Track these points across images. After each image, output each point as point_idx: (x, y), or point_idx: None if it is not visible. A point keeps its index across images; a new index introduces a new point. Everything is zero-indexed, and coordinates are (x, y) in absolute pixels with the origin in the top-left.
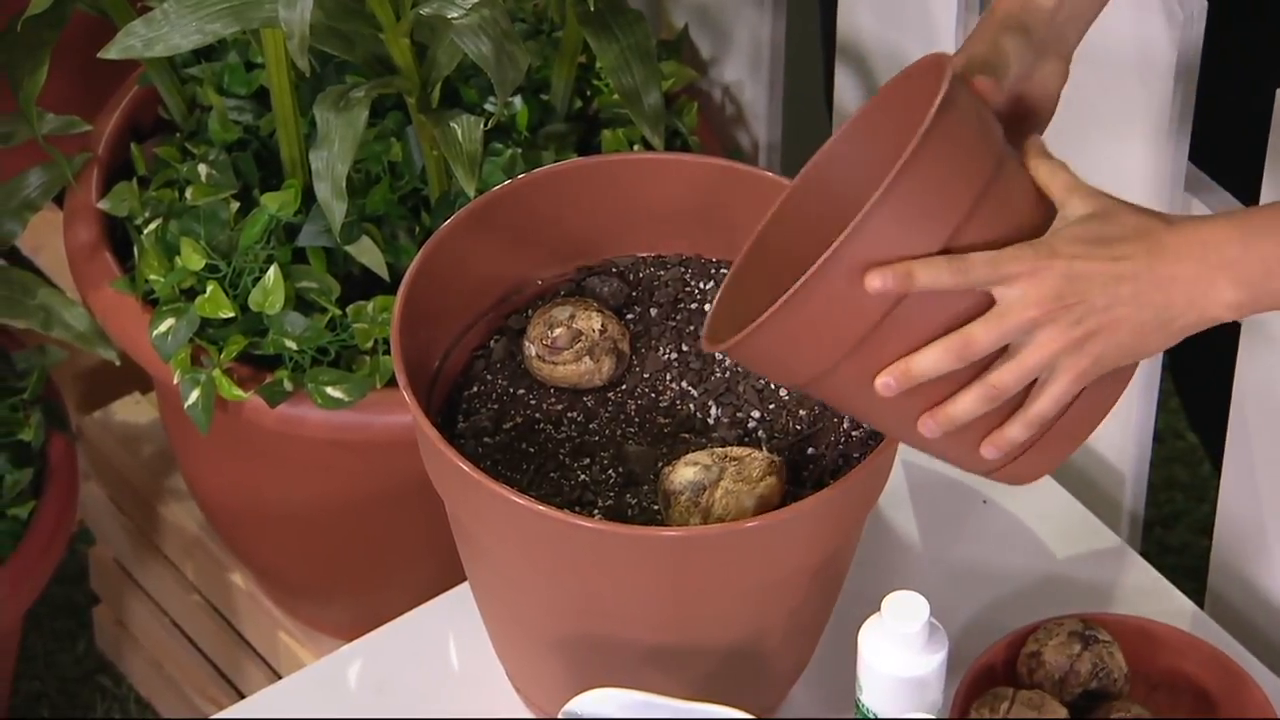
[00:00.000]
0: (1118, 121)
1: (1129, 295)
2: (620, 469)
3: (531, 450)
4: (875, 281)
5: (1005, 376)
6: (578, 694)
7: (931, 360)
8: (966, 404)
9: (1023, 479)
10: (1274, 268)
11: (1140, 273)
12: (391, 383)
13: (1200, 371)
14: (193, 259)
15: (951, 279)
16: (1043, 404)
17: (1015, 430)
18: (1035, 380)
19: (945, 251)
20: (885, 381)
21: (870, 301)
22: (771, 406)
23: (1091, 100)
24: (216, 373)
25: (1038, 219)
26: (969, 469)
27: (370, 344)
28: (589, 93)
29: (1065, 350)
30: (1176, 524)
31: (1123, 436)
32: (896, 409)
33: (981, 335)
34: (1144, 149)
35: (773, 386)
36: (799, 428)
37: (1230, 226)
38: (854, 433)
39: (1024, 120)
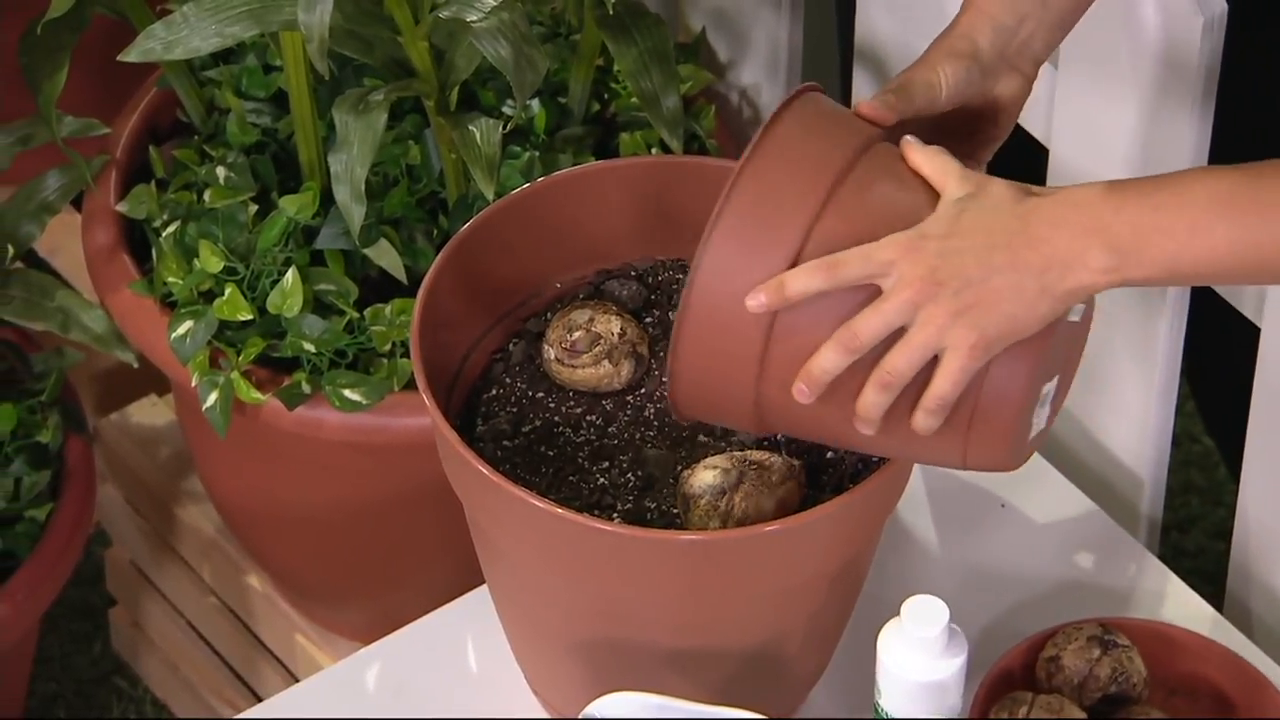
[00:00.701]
0: (1137, 125)
1: (1004, 263)
2: (639, 472)
3: (550, 453)
4: (751, 302)
5: (895, 358)
6: (596, 697)
7: (826, 358)
8: (868, 395)
9: (985, 467)
10: (1145, 234)
11: (1013, 239)
12: (409, 386)
13: (1216, 375)
14: (211, 261)
15: (824, 281)
16: (938, 382)
17: (920, 416)
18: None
19: (798, 259)
20: (798, 388)
21: (751, 321)
22: None
23: (1111, 105)
24: (235, 375)
25: (925, 211)
26: (937, 464)
27: (388, 347)
28: (606, 96)
29: (949, 325)
30: (1192, 528)
31: (1140, 441)
32: (840, 419)
33: (864, 323)
34: (1164, 151)
35: None
36: None
37: (1101, 191)
38: None
39: (977, 133)
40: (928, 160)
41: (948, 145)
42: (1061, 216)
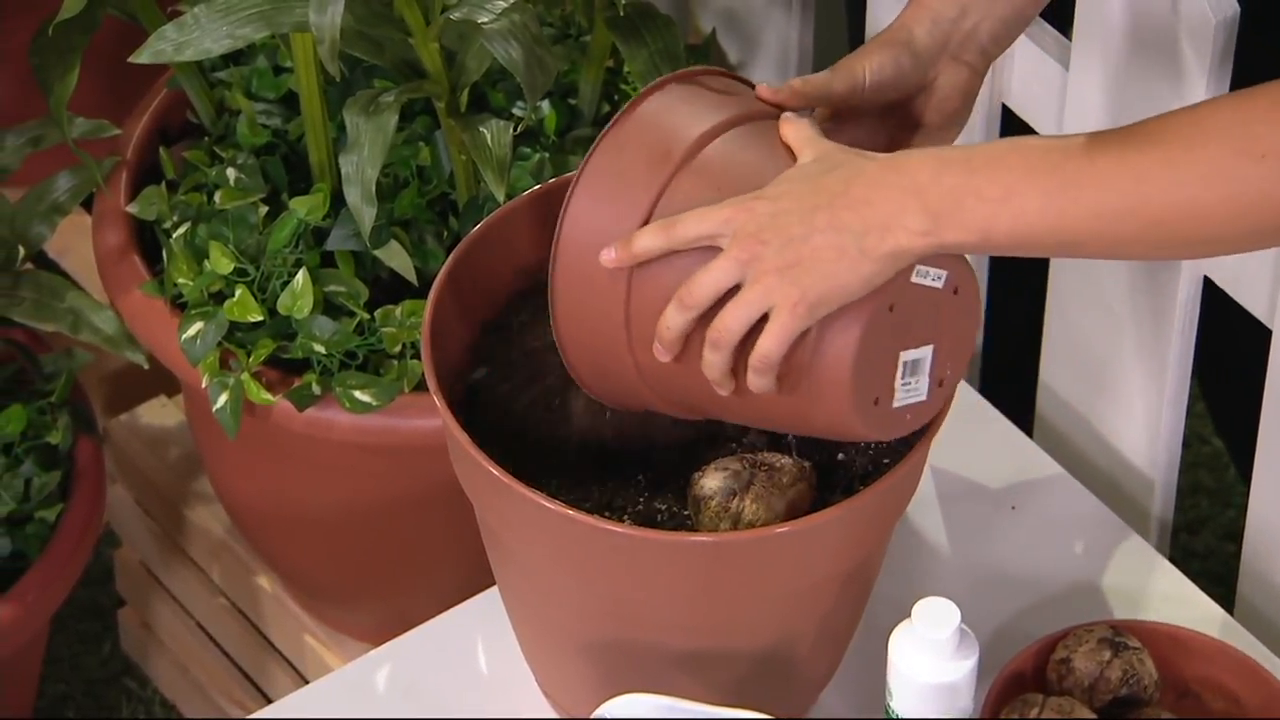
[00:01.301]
0: None
1: (825, 222)
2: (650, 474)
3: (560, 455)
4: (604, 256)
5: (724, 316)
6: (607, 699)
7: (670, 315)
8: (705, 354)
9: (842, 433)
10: (961, 199)
11: (835, 199)
12: (419, 387)
13: (1226, 376)
14: (221, 263)
15: (664, 239)
16: (762, 340)
17: (751, 375)
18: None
19: (650, 219)
20: (655, 347)
21: (610, 283)
22: None
23: (1125, 103)
24: (245, 376)
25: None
26: (801, 431)
27: (398, 348)
28: (617, 97)
29: (775, 284)
30: (1202, 529)
31: (1151, 443)
32: (705, 383)
33: (697, 280)
34: None
35: None
36: None
37: (926, 157)
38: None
39: (920, 121)
40: (793, 130)
41: (893, 134)
42: (883, 179)
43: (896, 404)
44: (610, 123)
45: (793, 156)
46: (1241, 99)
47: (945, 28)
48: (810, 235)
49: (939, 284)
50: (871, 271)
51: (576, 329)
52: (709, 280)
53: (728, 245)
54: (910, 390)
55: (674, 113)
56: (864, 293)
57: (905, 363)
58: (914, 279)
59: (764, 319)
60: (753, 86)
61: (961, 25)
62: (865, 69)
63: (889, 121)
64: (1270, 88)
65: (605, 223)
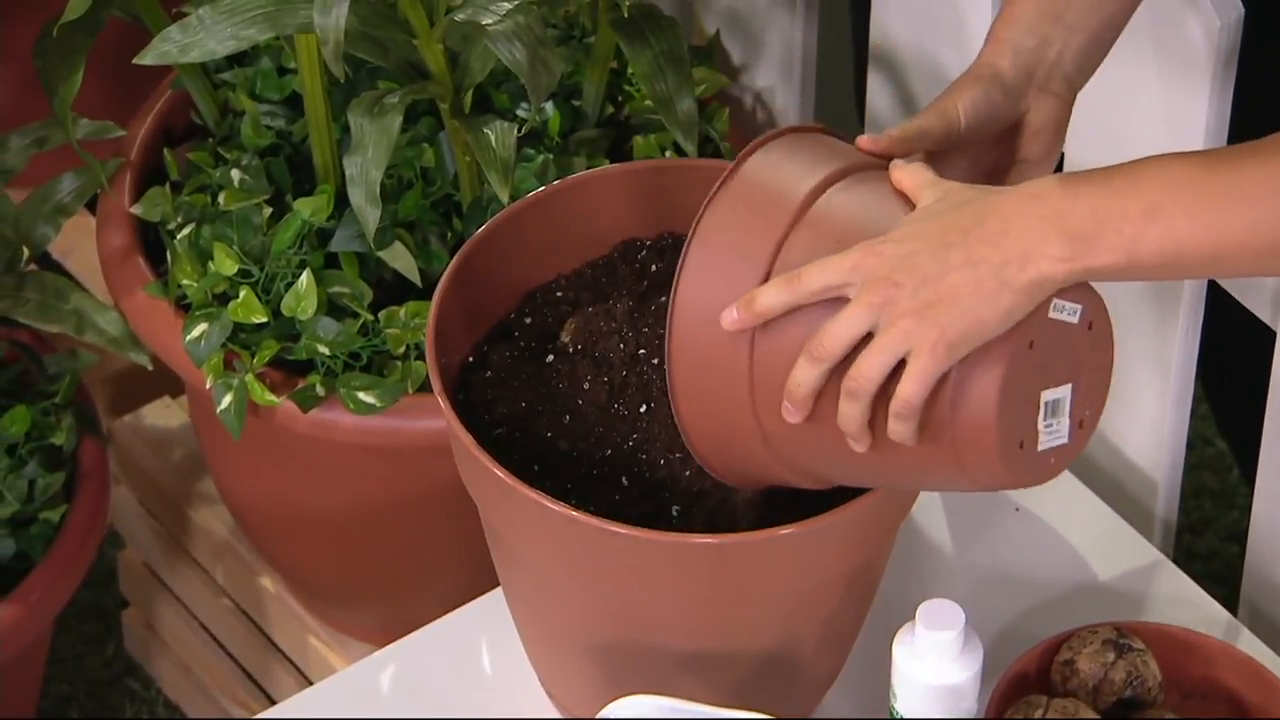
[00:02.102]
0: (1153, 128)
1: (960, 259)
2: (654, 474)
3: (565, 455)
4: (727, 319)
5: (861, 363)
6: (611, 700)
7: (801, 370)
8: (842, 406)
9: (991, 483)
10: (1104, 220)
11: (969, 235)
12: (423, 388)
13: (1230, 377)
14: (225, 264)
15: (789, 293)
16: (903, 384)
17: (891, 422)
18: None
19: (769, 278)
20: (785, 407)
21: (733, 349)
22: None
23: (1127, 109)
24: (249, 378)
25: (898, 224)
26: (948, 488)
27: (402, 349)
28: (620, 98)
29: (911, 327)
30: (1206, 530)
31: (1155, 445)
32: (841, 442)
33: (829, 331)
34: None
35: None
36: None
37: (1058, 182)
38: None
39: (1015, 156)
40: (907, 175)
41: (990, 172)
42: (1018, 209)
43: (1041, 448)
44: (716, 185)
45: (908, 202)
46: None
47: (1028, 57)
48: (946, 273)
49: (1075, 319)
50: (1011, 304)
51: (698, 400)
52: (841, 330)
53: (857, 293)
54: (1053, 432)
55: (780, 169)
56: (1003, 329)
57: (1047, 403)
58: (1051, 314)
59: (901, 365)
60: (851, 140)
61: (1045, 54)
62: (959, 107)
63: (985, 159)
64: None
65: (721, 286)
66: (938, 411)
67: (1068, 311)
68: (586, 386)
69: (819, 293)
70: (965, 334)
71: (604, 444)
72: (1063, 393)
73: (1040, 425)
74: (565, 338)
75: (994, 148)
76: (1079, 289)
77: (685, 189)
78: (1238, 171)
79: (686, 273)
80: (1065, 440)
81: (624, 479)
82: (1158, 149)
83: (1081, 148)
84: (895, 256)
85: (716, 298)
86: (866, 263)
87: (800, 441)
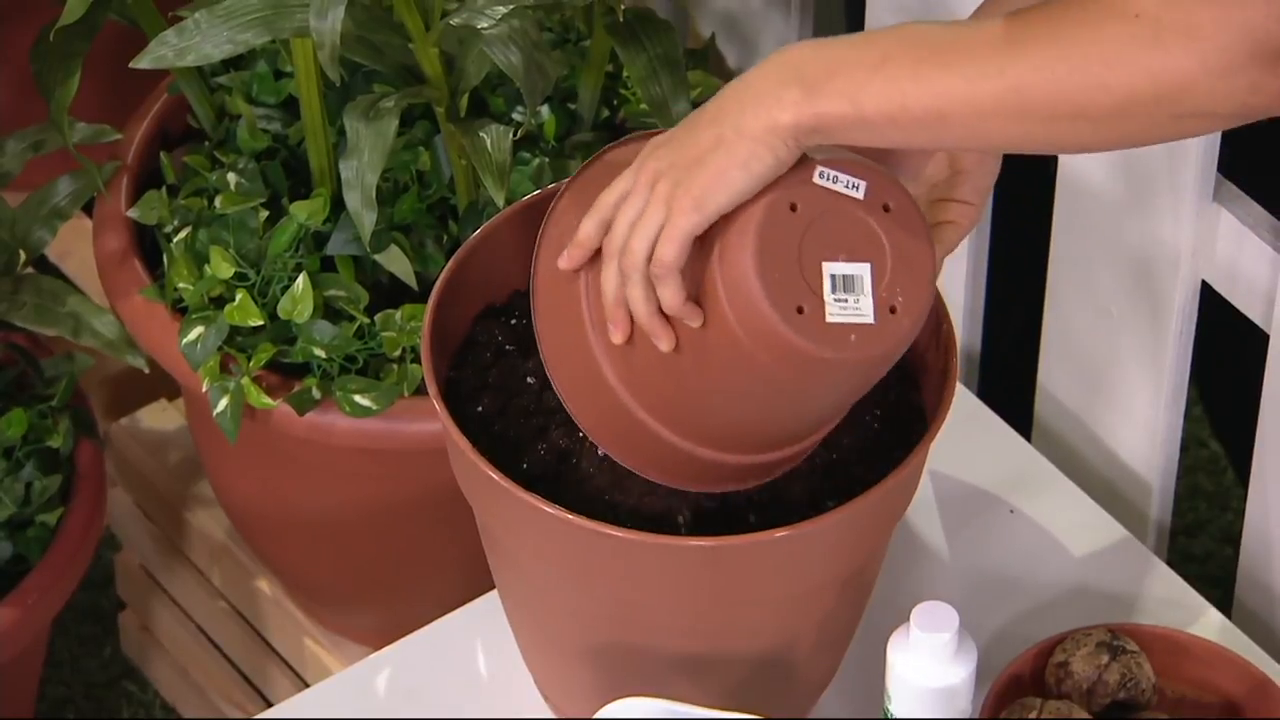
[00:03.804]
0: None
1: (709, 120)
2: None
3: (560, 457)
4: (561, 262)
5: (629, 240)
6: (607, 702)
7: (605, 278)
8: (628, 293)
9: (777, 354)
10: (836, 69)
11: (722, 99)
12: (419, 391)
13: (1224, 379)
14: (222, 267)
15: (593, 215)
16: (659, 246)
17: (657, 288)
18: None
19: None
20: (609, 326)
21: (571, 289)
22: None
23: None
24: (245, 380)
25: None
26: (761, 391)
27: (398, 352)
28: (616, 102)
29: (666, 192)
30: (1200, 532)
31: (1149, 447)
32: (661, 361)
33: (614, 226)
34: (1172, 160)
35: None
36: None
37: (811, 41)
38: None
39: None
40: None
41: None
42: (763, 68)
43: (832, 319)
44: (575, 173)
45: None
46: None
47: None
48: (696, 135)
49: (856, 193)
50: (748, 153)
51: (562, 363)
52: (621, 220)
53: (634, 187)
54: (847, 308)
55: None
56: (748, 183)
57: (833, 276)
58: (816, 179)
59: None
60: None
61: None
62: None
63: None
64: None
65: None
66: (709, 282)
67: (842, 183)
68: None
69: (615, 204)
70: (708, 188)
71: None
72: (856, 269)
73: (828, 296)
74: None
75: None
76: (853, 165)
77: None
78: (973, 33)
79: (541, 249)
80: (869, 320)
81: (621, 481)
82: (1149, 150)
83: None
84: (663, 144)
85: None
86: (645, 162)
87: (634, 370)
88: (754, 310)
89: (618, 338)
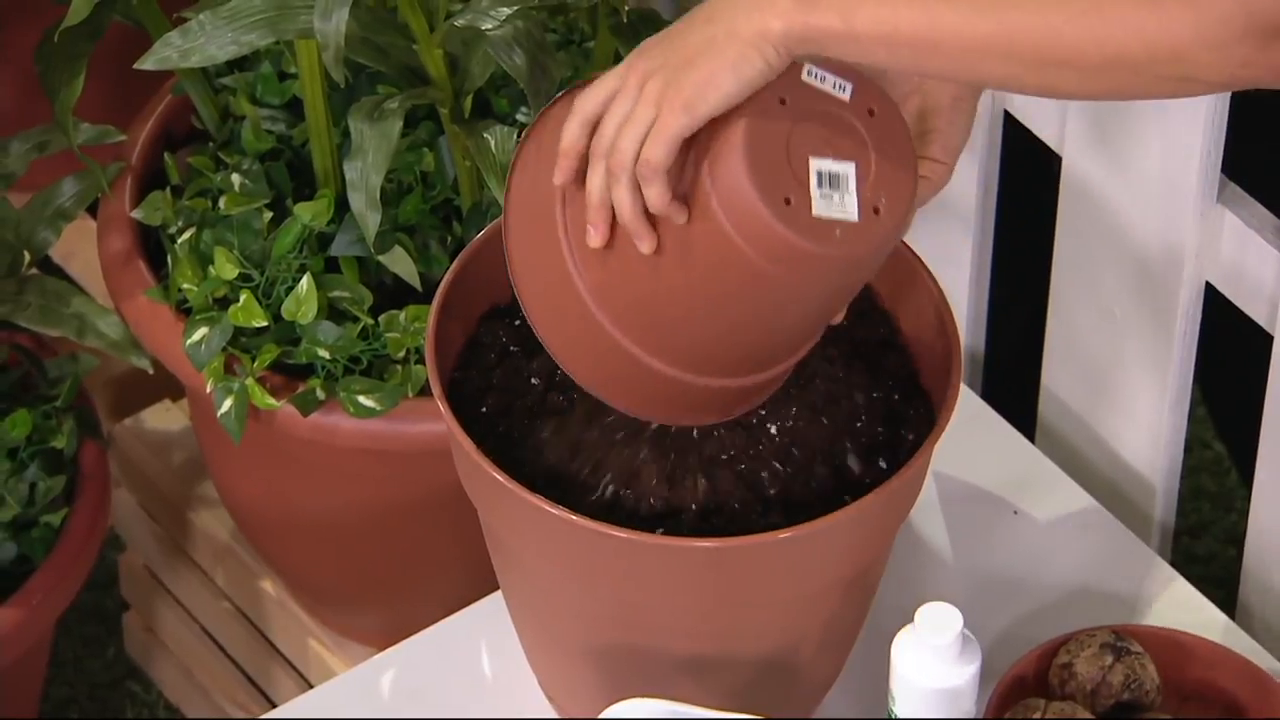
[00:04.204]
0: (1150, 133)
1: (702, 20)
2: (659, 473)
3: (564, 456)
4: (555, 178)
5: (618, 139)
6: (611, 703)
7: (591, 179)
8: (614, 195)
9: (773, 254)
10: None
11: (712, 7)
12: (423, 392)
13: (1228, 380)
14: (226, 268)
15: (576, 117)
16: (647, 146)
17: (644, 189)
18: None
19: None
20: (588, 230)
21: (545, 197)
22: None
23: (1123, 111)
24: (249, 381)
25: None
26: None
27: (402, 353)
28: None
29: (656, 92)
30: (1204, 533)
31: (1153, 448)
32: (638, 266)
33: (602, 125)
34: (1177, 160)
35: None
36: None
37: None
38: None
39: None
40: None
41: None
42: None
43: (817, 212)
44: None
45: None
46: None
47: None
48: (687, 36)
49: (843, 94)
50: (738, 55)
51: (529, 277)
52: (610, 119)
53: (622, 87)
54: (832, 205)
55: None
56: (738, 86)
57: (819, 171)
58: (805, 78)
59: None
60: None
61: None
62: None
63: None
64: None
65: (533, 184)
66: (696, 178)
67: (831, 84)
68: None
69: (602, 102)
70: (699, 88)
71: (603, 447)
72: (841, 168)
73: (814, 190)
74: None
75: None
76: (843, 68)
77: None
78: None
79: (514, 174)
80: (852, 217)
81: (623, 476)
82: (1154, 153)
83: (1074, 152)
84: (656, 44)
85: (532, 193)
86: (635, 61)
87: (610, 283)
88: (742, 199)
89: (596, 240)
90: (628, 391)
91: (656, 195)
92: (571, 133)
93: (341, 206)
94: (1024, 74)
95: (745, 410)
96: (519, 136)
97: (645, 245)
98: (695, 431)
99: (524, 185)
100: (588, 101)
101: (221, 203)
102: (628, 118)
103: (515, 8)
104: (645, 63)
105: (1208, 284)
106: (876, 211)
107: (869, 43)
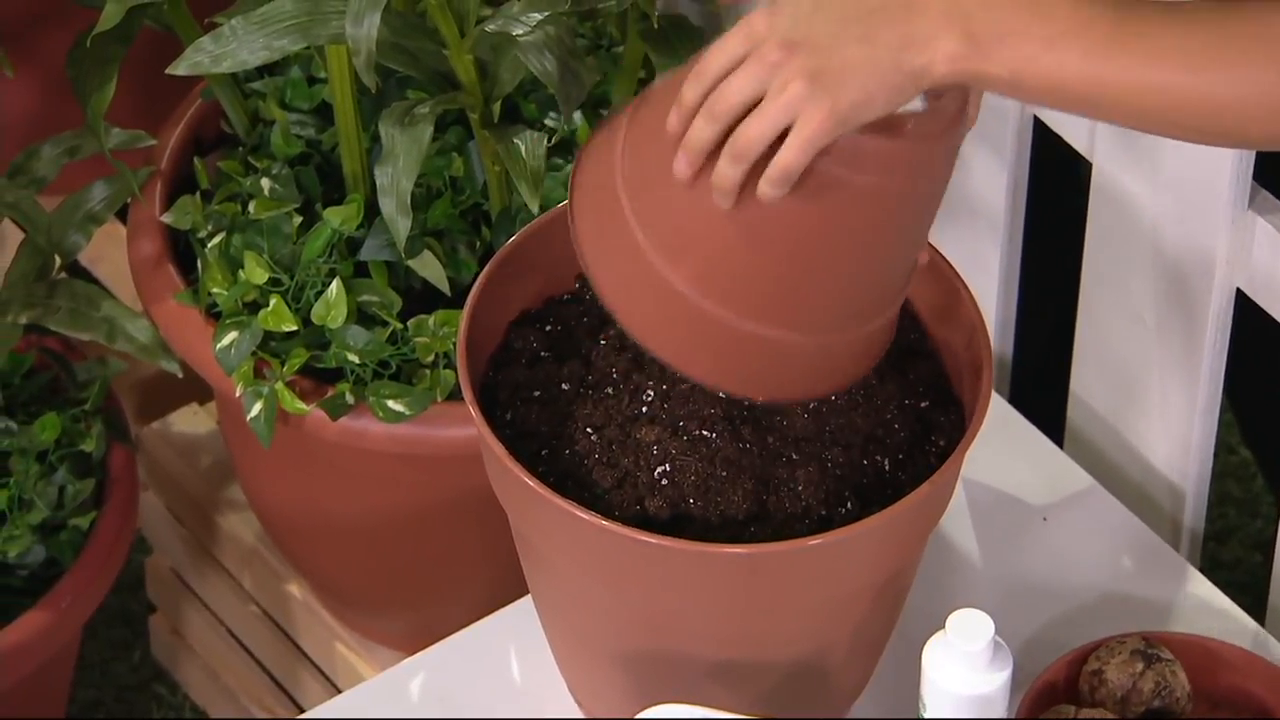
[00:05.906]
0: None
1: (858, 34)
2: (690, 477)
3: (594, 460)
4: (678, 167)
5: (748, 126)
6: (641, 709)
7: (698, 130)
8: (722, 165)
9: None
10: (1006, 34)
11: (872, 15)
12: (452, 396)
13: (1255, 386)
14: (256, 272)
15: (698, 85)
16: (787, 152)
17: (762, 184)
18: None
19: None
20: (678, 161)
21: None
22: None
23: None
24: (279, 386)
25: None
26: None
27: (431, 358)
28: None
29: (801, 93)
30: (1230, 539)
31: (1183, 455)
32: (713, 218)
33: (724, 89)
34: (1208, 166)
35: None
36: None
37: None
38: (926, 447)
39: None
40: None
41: None
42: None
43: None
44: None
45: None
46: None
47: None
48: (843, 45)
49: (927, 111)
50: (897, 88)
51: (600, 257)
52: (734, 88)
53: (752, 53)
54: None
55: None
56: (887, 110)
57: None
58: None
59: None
60: None
61: None
62: None
63: None
64: None
65: (596, 169)
66: (828, 173)
67: (928, 106)
68: (615, 393)
69: (723, 70)
70: (855, 108)
71: (633, 452)
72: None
73: None
74: (600, 344)
75: None
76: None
77: None
78: (1142, 27)
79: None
80: (918, 107)
81: (656, 489)
82: (1184, 158)
83: (1104, 157)
84: (790, 18)
85: (597, 171)
86: (758, 27)
87: (666, 212)
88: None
89: (683, 172)
90: (724, 366)
91: (774, 197)
92: (692, 93)
93: (371, 211)
94: (1182, 133)
95: (842, 384)
96: (549, 142)
97: (725, 203)
98: (726, 438)
99: (592, 169)
100: (712, 62)
101: (251, 207)
102: (766, 108)
103: (546, 13)
104: (782, 51)
105: (1238, 289)
106: (937, 96)
107: (1032, 94)
